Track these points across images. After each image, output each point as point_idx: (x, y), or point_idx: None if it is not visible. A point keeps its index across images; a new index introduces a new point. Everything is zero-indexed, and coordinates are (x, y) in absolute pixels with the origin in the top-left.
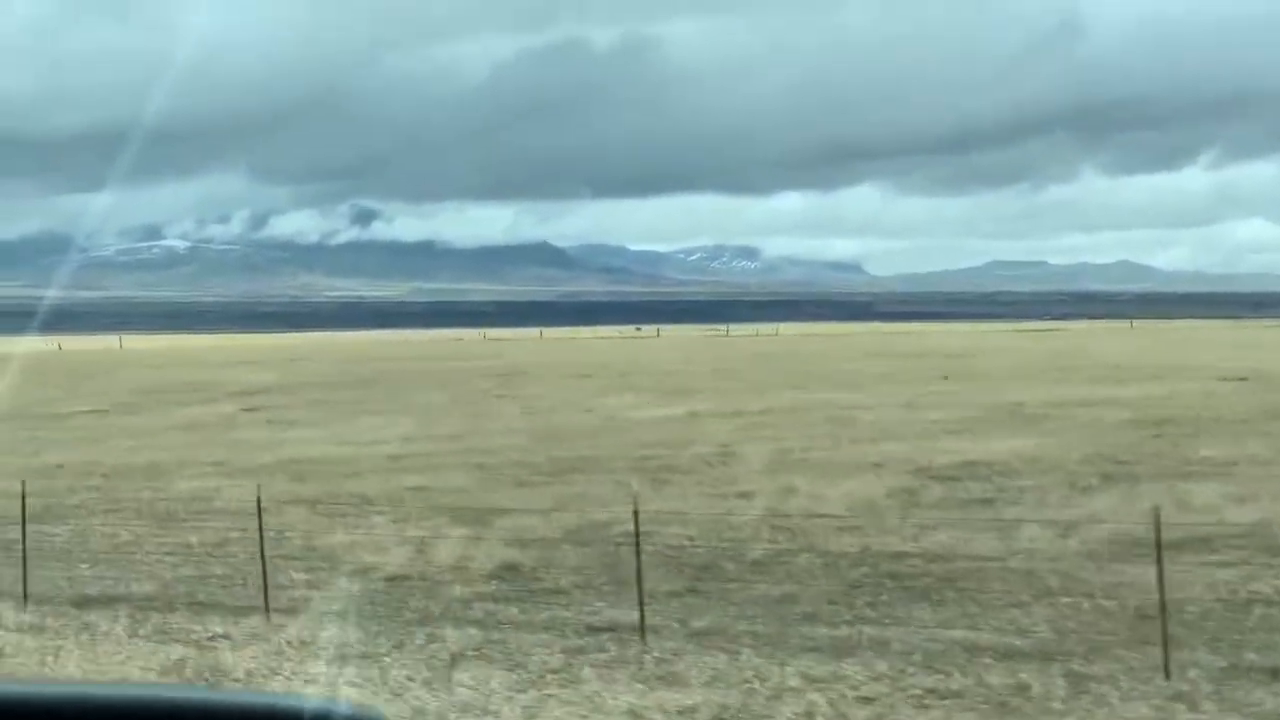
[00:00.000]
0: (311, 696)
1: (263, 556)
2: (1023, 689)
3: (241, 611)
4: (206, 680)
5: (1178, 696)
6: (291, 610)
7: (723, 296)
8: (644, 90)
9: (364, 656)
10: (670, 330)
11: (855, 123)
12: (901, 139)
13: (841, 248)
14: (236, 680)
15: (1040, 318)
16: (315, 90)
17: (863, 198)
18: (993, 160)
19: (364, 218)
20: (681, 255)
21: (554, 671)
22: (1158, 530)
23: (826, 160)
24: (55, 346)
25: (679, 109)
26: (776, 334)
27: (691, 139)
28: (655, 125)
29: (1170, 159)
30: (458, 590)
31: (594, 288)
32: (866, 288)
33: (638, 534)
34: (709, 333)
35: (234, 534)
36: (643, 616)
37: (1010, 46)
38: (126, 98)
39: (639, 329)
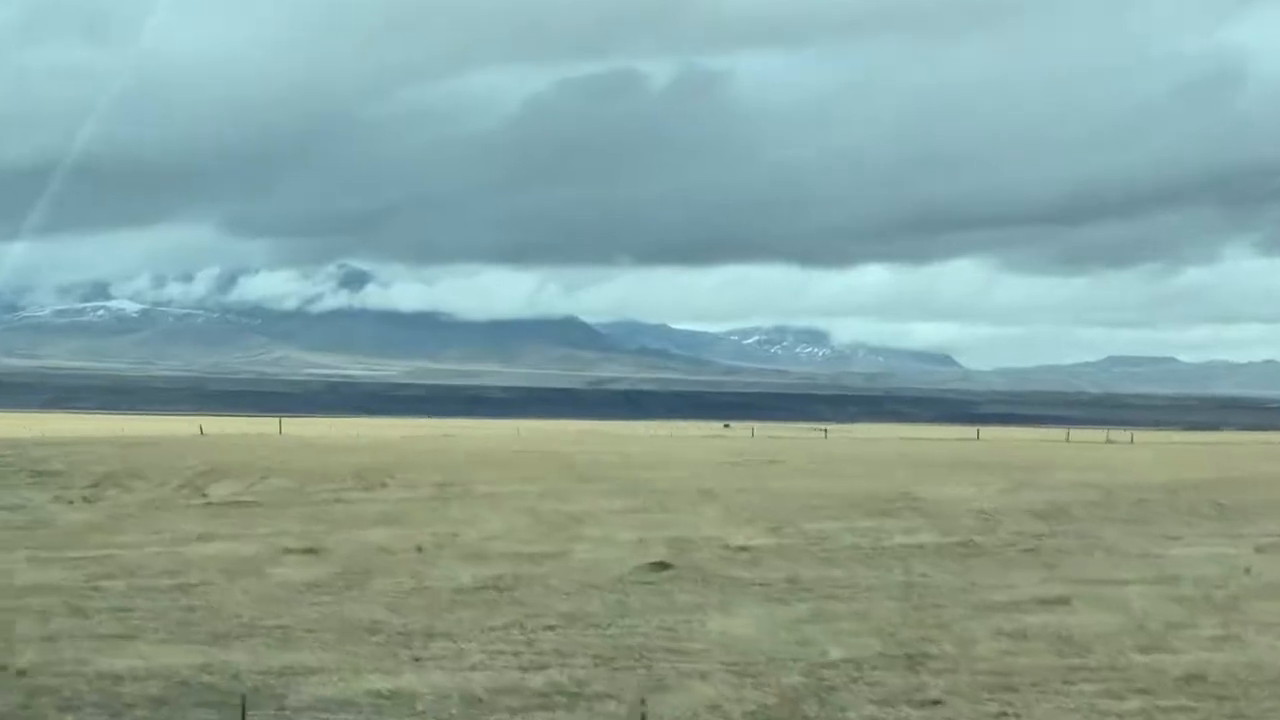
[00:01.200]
0: None
1: None
2: None
3: None
4: None
5: None
6: None
7: (786, 389)
8: (701, 136)
9: None
10: (761, 429)
11: (954, 183)
12: (1009, 205)
13: (929, 334)
14: None
15: (1172, 425)
16: (303, 126)
17: (959, 274)
18: (1117, 234)
19: (354, 281)
20: (735, 337)
21: None
22: None
23: (917, 228)
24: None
25: (741, 160)
26: (977, 437)
27: (754, 197)
28: (712, 179)
29: None
30: None
31: (628, 373)
32: (960, 383)
33: None
34: (809, 432)
35: None
36: None
37: (1149, 97)
38: (70, 126)
39: (727, 425)
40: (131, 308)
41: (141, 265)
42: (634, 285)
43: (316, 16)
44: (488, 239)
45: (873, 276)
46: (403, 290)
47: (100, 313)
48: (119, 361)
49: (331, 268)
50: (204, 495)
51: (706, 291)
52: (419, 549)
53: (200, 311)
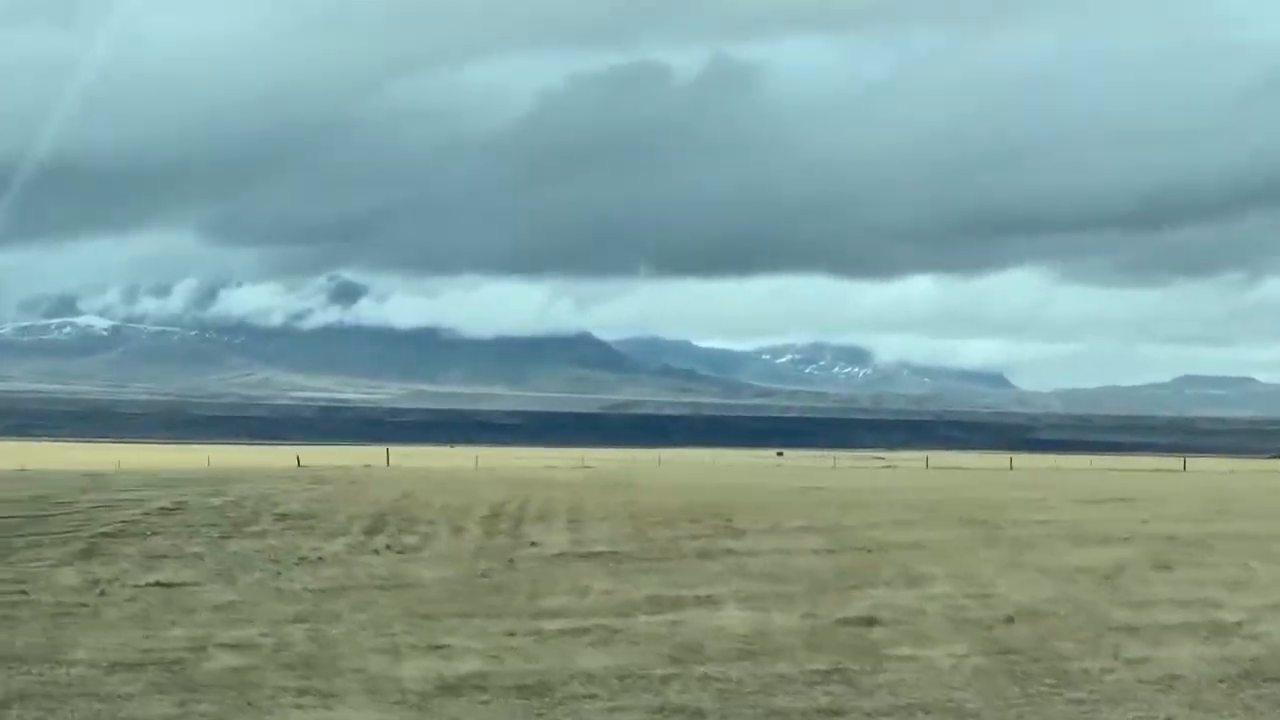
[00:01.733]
0: None
1: None
2: None
3: None
4: None
5: None
6: None
7: (825, 412)
8: (732, 134)
9: None
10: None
11: (1013, 184)
12: (1074, 208)
13: (979, 352)
14: None
15: (1260, 453)
16: (292, 124)
17: (1014, 286)
18: (1196, 240)
19: (346, 295)
20: (766, 356)
21: None
22: None
23: (969, 234)
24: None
25: (776, 160)
26: (1057, 468)
27: (790, 202)
28: (743, 181)
29: None
30: None
31: (650, 395)
32: (1015, 405)
33: None
34: (870, 460)
35: None
36: None
37: (1238, 86)
38: (34, 123)
39: (780, 454)
40: (100, 324)
41: (112, 277)
42: (655, 298)
43: (307, 4)
44: (494, 248)
45: (919, 288)
46: (400, 304)
47: (66, 330)
48: (87, 384)
49: (321, 280)
50: (534, 544)
51: (735, 305)
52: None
53: (176, 329)
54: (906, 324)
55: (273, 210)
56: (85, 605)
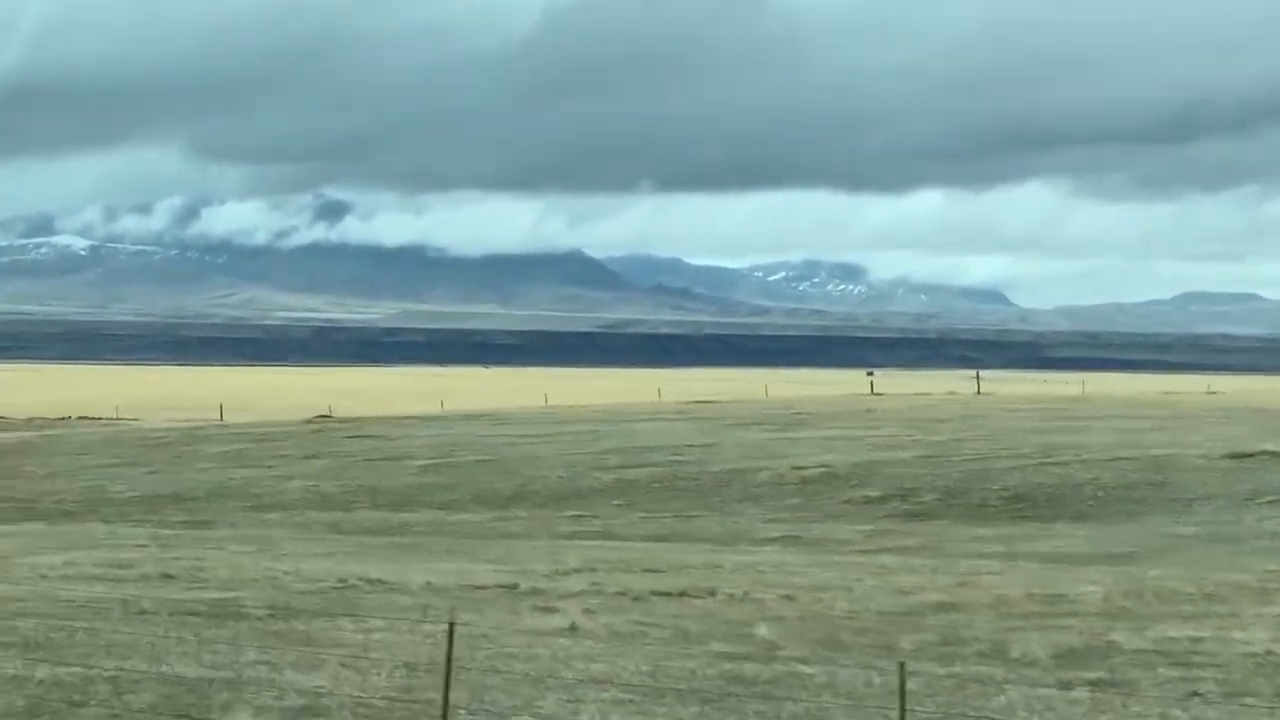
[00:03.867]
0: None
1: None
2: None
3: None
4: None
5: None
6: None
7: (824, 331)
8: (740, 44)
9: None
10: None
11: (1034, 94)
12: (1094, 122)
13: (980, 269)
14: None
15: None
16: (284, 39)
17: (1026, 200)
18: (1217, 153)
19: (332, 212)
20: (759, 273)
21: None
22: None
23: (985, 147)
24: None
25: (787, 71)
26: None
27: (799, 114)
28: (751, 94)
29: None
30: None
31: (645, 314)
32: (1017, 323)
33: None
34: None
35: None
36: None
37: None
38: (6, 35)
39: (871, 373)
40: (79, 244)
41: (91, 195)
42: (647, 215)
43: None
44: (489, 165)
45: (925, 203)
46: (387, 222)
47: (44, 250)
48: (65, 305)
49: (307, 198)
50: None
51: (731, 222)
52: None
53: (157, 248)
54: (908, 240)
55: (263, 127)
56: None
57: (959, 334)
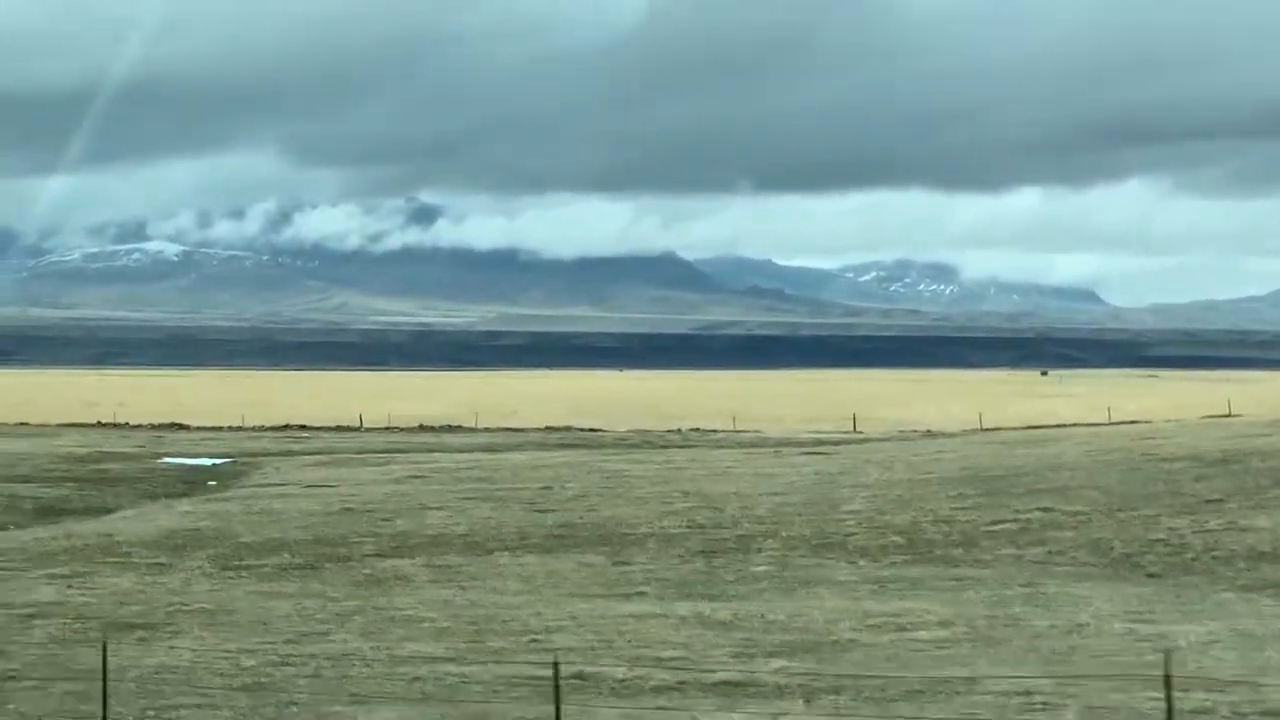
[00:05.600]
0: None
1: None
2: None
3: None
4: None
5: None
6: None
7: (920, 331)
8: (848, 44)
9: None
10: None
11: (1138, 90)
12: (1197, 116)
13: (1071, 267)
14: None
15: None
16: (385, 41)
17: (1122, 197)
18: None
19: (424, 217)
20: (850, 274)
21: None
22: None
23: (1085, 143)
24: None
25: (890, 68)
26: None
27: (898, 112)
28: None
29: None
30: None
31: (739, 316)
32: (1111, 321)
33: None
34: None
35: None
36: None
37: None
38: (109, 45)
39: (1045, 373)
40: (171, 249)
41: (183, 201)
42: (739, 217)
43: None
44: (583, 166)
45: (1022, 201)
46: (478, 225)
47: (136, 256)
48: (157, 310)
49: (399, 202)
50: None
51: (824, 223)
52: None
53: (249, 253)
54: (1000, 239)
55: (356, 129)
56: None
57: (1055, 333)
